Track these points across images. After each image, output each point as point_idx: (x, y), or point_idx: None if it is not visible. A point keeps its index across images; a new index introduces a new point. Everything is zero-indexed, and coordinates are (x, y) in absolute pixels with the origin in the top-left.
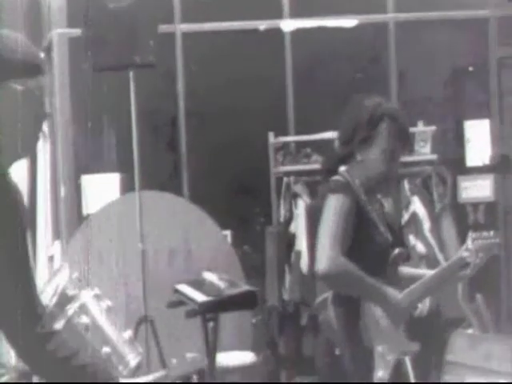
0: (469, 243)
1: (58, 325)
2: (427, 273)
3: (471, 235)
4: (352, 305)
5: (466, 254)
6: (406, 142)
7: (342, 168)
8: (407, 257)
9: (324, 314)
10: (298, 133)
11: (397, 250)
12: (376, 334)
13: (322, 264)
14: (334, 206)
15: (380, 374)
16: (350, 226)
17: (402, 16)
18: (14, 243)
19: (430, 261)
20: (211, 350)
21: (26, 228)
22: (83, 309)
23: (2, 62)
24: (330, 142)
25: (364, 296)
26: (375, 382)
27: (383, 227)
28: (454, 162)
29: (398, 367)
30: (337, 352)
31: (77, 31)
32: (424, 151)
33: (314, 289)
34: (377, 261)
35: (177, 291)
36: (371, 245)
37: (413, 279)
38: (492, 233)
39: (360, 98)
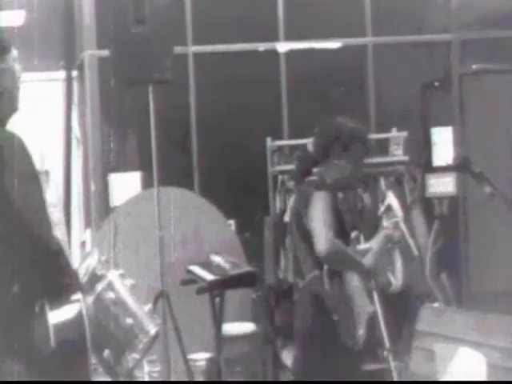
0: (387, 224)
1: (89, 299)
2: (371, 245)
3: (386, 222)
4: (338, 278)
5: (388, 231)
6: (368, 154)
7: (315, 170)
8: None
9: (317, 287)
10: (291, 137)
11: (354, 234)
12: (355, 299)
13: (323, 246)
14: (321, 200)
15: (361, 331)
16: (332, 214)
17: (379, 39)
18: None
19: (402, 245)
20: (217, 321)
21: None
22: (110, 286)
23: None
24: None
25: (349, 268)
26: (359, 339)
27: (348, 216)
28: (422, 162)
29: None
30: (335, 317)
31: (105, 52)
32: (397, 153)
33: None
34: (342, 241)
35: (189, 271)
36: (338, 228)
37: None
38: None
39: (339, 118)
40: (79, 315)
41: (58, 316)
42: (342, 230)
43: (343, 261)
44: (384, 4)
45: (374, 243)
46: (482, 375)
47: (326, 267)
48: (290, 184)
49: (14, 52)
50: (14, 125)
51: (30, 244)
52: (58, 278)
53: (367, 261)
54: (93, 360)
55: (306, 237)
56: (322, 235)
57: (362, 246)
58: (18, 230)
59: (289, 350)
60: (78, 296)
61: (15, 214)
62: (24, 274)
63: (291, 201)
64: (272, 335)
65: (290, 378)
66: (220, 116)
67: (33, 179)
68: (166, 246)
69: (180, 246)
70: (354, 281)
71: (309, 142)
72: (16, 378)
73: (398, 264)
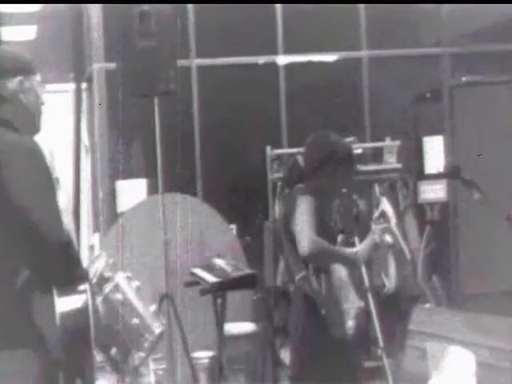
0: (374, 229)
1: (97, 300)
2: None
3: (375, 226)
4: (325, 275)
5: (374, 235)
6: (353, 167)
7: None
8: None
9: (306, 287)
10: (290, 146)
11: (340, 237)
12: (342, 295)
13: (306, 246)
14: (304, 204)
15: (350, 323)
16: (316, 217)
17: (373, 53)
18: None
19: (395, 248)
20: (219, 321)
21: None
22: (117, 288)
23: None
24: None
25: (334, 261)
26: (348, 330)
27: (332, 221)
28: (414, 170)
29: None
30: (323, 312)
31: (112, 65)
32: (391, 161)
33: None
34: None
35: (192, 274)
36: (324, 232)
37: None
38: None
39: (327, 135)
40: (85, 305)
41: (65, 304)
42: (327, 233)
43: (327, 256)
44: (378, 19)
45: (361, 246)
46: (472, 372)
47: (311, 266)
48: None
49: (38, 76)
50: None
51: (41, 234)
52: (67, 268)
53: (350, 251)
54: (100, 358)
55: (293, 240)
56: (304, 235)
57: (348, 250)
58: (30, 222)
59: (287, 348)
60: (84, 286)
61: (29, 208)
62: (35, 263)
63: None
64: (271, 335)
65: (287, 375)
66: (222, 125)
67: (45, 178)
68: (171, 250)
69: (184, 249)
70: (341, 277)
71: (299, 155)
72: (23, 365)
73: (392, 267)
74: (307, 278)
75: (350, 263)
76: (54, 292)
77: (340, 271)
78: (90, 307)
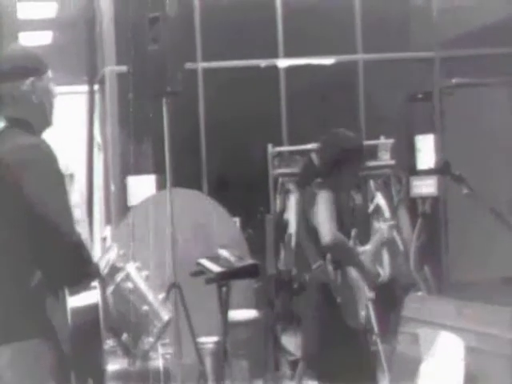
0: (383, 227)
1: (109, 289)
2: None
3: (382, 224)
4: (341, 267)
5: (383, 233)
6: (364, 161)
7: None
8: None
9: (323, 275)
10: (290, 144)
11: (353, 231)
12: (355, 285)
13: (328, 237)
14: (325, 198)
15: (362, 313)
16: (335, 211)
17: (369, 56)
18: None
19: (389, 240)
20: (224, 308)
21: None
22: (128, 277)
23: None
24: (313, 150)
25: (348, 258)
26: (361, 319)
27: (345, 214)
28: (407, 166)
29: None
30: (338, 300)
31: (123, 68)
32: (385, 158)
33: (302, 260)
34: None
35: (198, 264)
36: (340, 226)
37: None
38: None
39: (342, 131)
40: (95, 301)
41: (76, 301)
42: (342, 227)
43: (344, 251)
44: (373, 24)
45: (371, 245)
46: (460, 357)
47: (329, 256)
48: (289, 186)
49: (50, 73)
50: (43, 133)
51: (53, 234)
52: (77, 268)
53: (365, 260)
54: (112, 343)
55: (312, 232)
56: (326, 228)
57: (361, 248)
58: (43, 223)
59: (288, 334)
60: (95, 284)
61: (42, 209)
62: (48, 262)
63: (295, 202)
64: (272, 321)
65: (288, 360)
66: (226, 124)
67: (58, 180)
68: (178, 241)
69: (190, 240)
70: (352, 270)
71: (313, 152)
72: (36, 357)
73: (386, 257)
74: (324, 267)
75: (360, 267)
76: (66, 290)
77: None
78: (100, 303)
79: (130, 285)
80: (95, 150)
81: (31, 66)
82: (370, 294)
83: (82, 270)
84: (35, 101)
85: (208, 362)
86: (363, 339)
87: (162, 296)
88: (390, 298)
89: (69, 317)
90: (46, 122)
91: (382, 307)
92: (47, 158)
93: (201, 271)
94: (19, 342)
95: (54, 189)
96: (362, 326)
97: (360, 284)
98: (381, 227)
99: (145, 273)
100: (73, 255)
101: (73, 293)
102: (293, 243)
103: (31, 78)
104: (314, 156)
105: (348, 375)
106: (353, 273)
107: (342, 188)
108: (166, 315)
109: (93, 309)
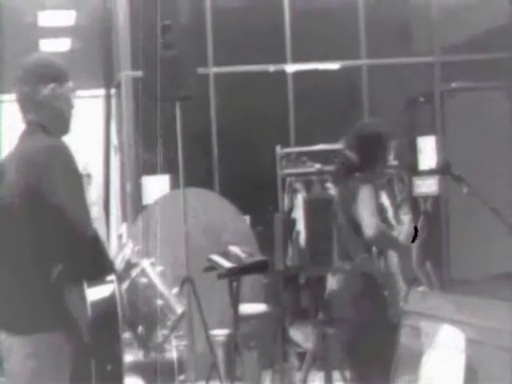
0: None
1: (125, 285)
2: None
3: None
4: (384, 259)
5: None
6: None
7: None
8: None
9: (367, 267)
10: (297, 145)
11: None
12: (395, 276)
13: (372, 230)
14: (367, 192)
15: (401, 304)
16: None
17: (372, 61)
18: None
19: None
20: (235, 302)
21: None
22: (143, 272)
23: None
24: (320, 152)
25: (392, 246)
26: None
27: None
28: (410, 166)
29: None
30: (385, 293)
31: (138, 73)
32: (388, 159)
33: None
34: None
35: (210, 260)
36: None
37: None
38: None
39: (369, 122)
40: (113, 294)
41: (94, 294)
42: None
43: (387, 241)
44: (377, 31)
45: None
46: (461, 348)
47: (374, 249)
48: (296, 185)
49: (71, 84)
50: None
51: (71, 230)
52: (94, 262)
53: (403, 240)
54: (128, 335)
55: (354, 225)
56: (370, 221)
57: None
58: (62, 221)
59: (295, 327)
60: (112, 277)
61: (60, 206)
62: (66, 256)
63: (297, 199)
64: (281, 314)
65: (296, 351)
66: (236, 127)
67: (76, 179)
68: (191, 238)
69: (202, 237)
70: (395, 262)
71: (345, 147)
72: (58, 348)
73: (389, 254)
74: (369, 259)
75: (404, 250)
76: (85, 283)
77: (393, 256)
78: (118, 296)
79: (144, 280)
80: (112, 151)
81: (52, 72)
82: (405, 287)
83: (98, 264)
84: (54, 106)
85: (220, 354)
86: (396, 333)
87: (175, 290)
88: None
89: (88, 308)
90: (64, 128)
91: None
92: (65, 158)
93: (213, 267)
94: (41, 333)
95: (71, 187)
96: (398, 320)
97: (399, 274)
98: (404, 220)
99: (159, 268)
100: (89, 249)
101: (91, 285)
102: (300, 240)
103: (52, 85)
104: (348, 152)
105: (383, 365)
106: (393, 261)
107: (378, 180)
108: (179, 309)
109: (110, 301)
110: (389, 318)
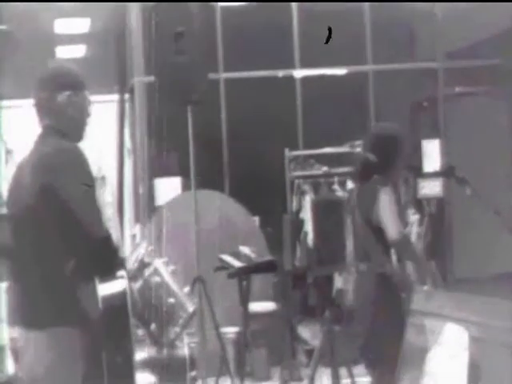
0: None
1: (138, 283)
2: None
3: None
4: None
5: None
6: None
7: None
8: None
9: (385, 268)
10: (305, 148)
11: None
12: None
13: (396, 235)
14: (388, 195)
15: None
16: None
17: (378, 67)
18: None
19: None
20: (245, 300)
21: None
22: (156, 271)
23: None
24: (328, 155)
25: (410, 254)
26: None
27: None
28: (414, 169)
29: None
30: (402, 296)
31: (151, 78)
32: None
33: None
34: None
35: (221, 260)
36: None
37: None
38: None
39: (387, 125)
40: (123, 289)
41: (105, 289)
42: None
43: (409, 248)
44: (382, 38)
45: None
46: (465, 346)
47: (394, 252)
48: (304, 187)
49: (87, 93)
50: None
51: (83, 228)
52: (106, 259)
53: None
54: (141, 332)
55: (373, 226)
56: (394, 225)
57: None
58: (75, 220)
59: (303, 324)
60: (122, 274)
61: (73, 206)
62: (79, 253)
63: (305, 201)
64: (290, 312)
65: (304, 348)
66: (246, 130)
67: (88, 181)
68: (202, 239)
69: (213, 238)
70: (410, 265)
71: (364, 150)
72: (71, 341)
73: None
74: (389, 262)
75: (421, 263)
76: (96, 278)
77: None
78: (128, 291)
79: (157, 279)
80: (125, 154)
81: (69, 80)
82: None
83: (109, 261)
84: (69, 113)
85: (230, 351)
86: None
87: (187, 289)
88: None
89: (99, 303)
90: (78, 134)
91: None
92: (79, 161)
93: (223, 266)
94: (56, 327)
95: (84, 189)
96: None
97: (415, 276)
98: (412, 220)
99: (171, 268)
100: (100, 247)
101: (102, 281)
102: (308, 240)
103: (68, 92)
104: (369, 154)
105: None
106: (410, 268)
107: (396, 182)
108: (190, 307)
109: (120, 296)
110: (405, 318)
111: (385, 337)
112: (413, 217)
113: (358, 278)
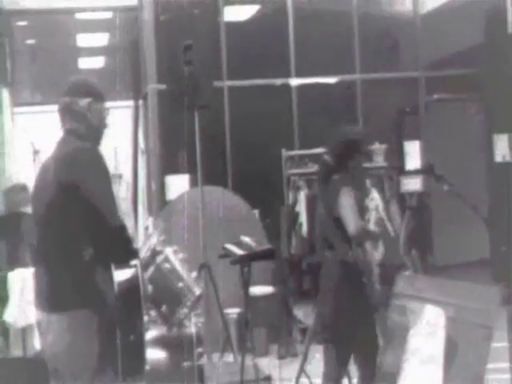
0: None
1: (150, 270)
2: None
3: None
4: (361, 249)
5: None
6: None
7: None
8: None
9: (347, 256)
10: (300, 149)
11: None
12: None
13: (354, 229)
14: (347, 193)
15: (377, 287)
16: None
17: (365, 76)
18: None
19: (382, 228)
20: (245, 285)
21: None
22: (166, 259)
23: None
24: (320, 154)
25: (371, 239)
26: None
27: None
28: (397, 167)
29: None
30: (364, 280)
31: (163, 86)
32: (379, 160)
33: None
34: None
35: (225, 248)
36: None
37: None
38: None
39: (351, 131)
40: (136, 275)
41: (120, 276)
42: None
43: (366, 236)
44: (370, 49)
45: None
46: (442, 325)
47: (355, 242)
48: (299, 183)
49: (106, 104)
50: None
51: (101, 219)
52: (121, 247)
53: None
54: (153, 313)
55: (336, 220)
56: (353, 222)
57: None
58: (93, 212)
59: (299, 306)
60: (135, 262)
61: (92, 199)
62: (97, 241)
63: (300, 195)
64: (286, 295)
65: (298, 327)
66: (247, 132)
67: (105, 177)
68: (207, 229)
69: (218, 229)
70: (373, 254)
71: (325, 153)
72: (89, 323)
73: (380, 242)
74: (352, 251)
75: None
76: (113, 266)
77: (370, 247)
78: (140, 278)
79: (168, 265)
80: (139, 154)
81: (90, 90)
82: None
83: (123, 249)
84: (89, 119)
85: (232, 330)
86: (374, 311)
87: (194, 274)
88: (383, 276)
89: (115, 287)
90: (96, 140)
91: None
92: (96, 159)
93: (226, 254)
94: (76, 310)
95: (101, 184)
96: (375, 300)
97: (374, 267)
98: (374, 197)
99: (180, 255)
100: (116, 236)
101: (117, 268)
102: (303, 231)
103: (89, 99)
104: (327, 157)
105: (360, 343)
106: (370, 251)
107: (355, 181)
108: (197, 290)
109: (134, 281)
110: (367, 299)
111: (349, 315)
112: (371, 202)
113: (324, 265)
